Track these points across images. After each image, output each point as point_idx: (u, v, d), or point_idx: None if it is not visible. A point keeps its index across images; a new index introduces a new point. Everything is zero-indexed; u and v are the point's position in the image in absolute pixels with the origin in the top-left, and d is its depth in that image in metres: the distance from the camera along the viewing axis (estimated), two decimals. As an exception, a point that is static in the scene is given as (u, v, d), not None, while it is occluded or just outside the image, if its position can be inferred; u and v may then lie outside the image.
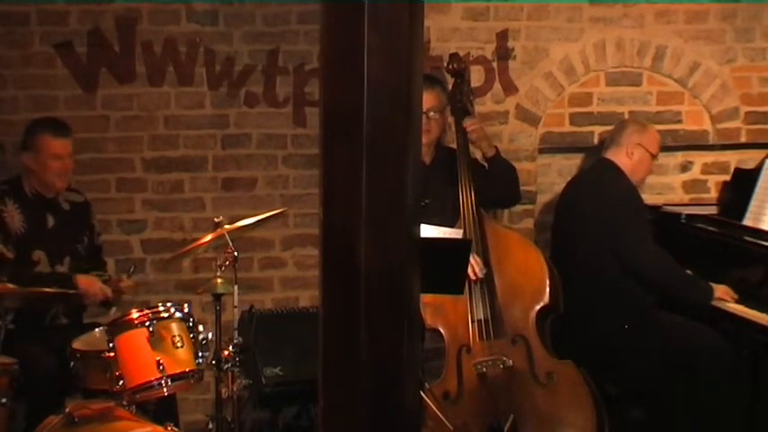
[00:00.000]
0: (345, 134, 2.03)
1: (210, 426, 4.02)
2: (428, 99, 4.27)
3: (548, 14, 5.01)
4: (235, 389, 3.95)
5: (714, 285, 4.31)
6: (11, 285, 3.83)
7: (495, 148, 4.50)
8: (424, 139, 4.28)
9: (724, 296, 4.28)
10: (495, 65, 5.01)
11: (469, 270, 4.01)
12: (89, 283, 4.24)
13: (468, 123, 4.37)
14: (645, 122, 4.74)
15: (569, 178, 4.85)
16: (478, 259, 4.15)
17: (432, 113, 4.36)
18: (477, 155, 4.54)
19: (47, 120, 4.40)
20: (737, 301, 4.27)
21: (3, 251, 4.19)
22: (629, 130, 4.56)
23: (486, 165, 4.51)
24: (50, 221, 4.35)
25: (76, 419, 3.46)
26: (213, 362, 3.91)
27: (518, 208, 4.99)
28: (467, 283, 4.03)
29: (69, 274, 4.27)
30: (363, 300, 2.02)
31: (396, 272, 2.06)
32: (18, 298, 3.97)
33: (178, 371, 3.70)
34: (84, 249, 4.43)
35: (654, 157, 4.60)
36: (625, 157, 4.51)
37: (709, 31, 5.11)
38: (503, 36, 5.00)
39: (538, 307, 4.20)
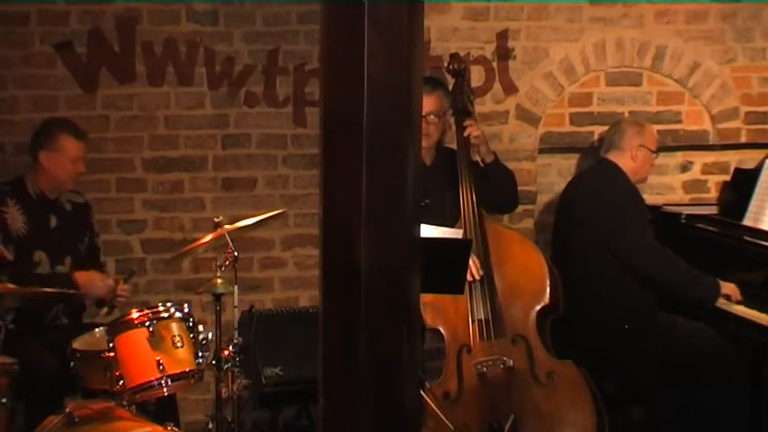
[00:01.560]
0: (345, 134, 2.03)
1: (210, 426, 4.02)
2: (428, 103, 4.24)
3: (548, 14, 5.01)
4: (235, 389, 3.96)
5: (723, 283, 4.30)
6: (11, 285, 3.84)
7: (494, 154, 4.48)
8: (424, 143, 4.25)
9: (731, 293, 4.27)
10: (495, 65, 5.01)
11: (468, 271, 4.01)
12: (89, 280, 4.24)
13: (469, 130, 4.35)
14: (640, 121, 4.73)
15: (569, 178, 4.85)
16: (477, 261, 4.14)
17: (431, 117, 4.33)
18: (476, 158, 4.53)
19: (66, 121, 4.42)
20: (738, 302, 4.27)
21: (3, 252, 4.19)
22: (628, 133, 4.55)
23: (484, 168, 4.48)
24: (53, 222, 4.36)
25: (76, 419, 3.46)
26: (213, 362, 3.92)
27: (518, 208, 4.99)
28: (467, 284, 4.03)
29: (68, 272, 4.27)
30: (363, 300, 2.02)
31: (396, 272, 2.06)
32: (18, 298, 3.98)
33: (178, 371, 3.70)
34: (84, 250, 4.44)
35: (654, 153, 4.61)
36: (629, 161, 4.51)
37: (710, 31, 5.11)
38: (503, 36, 5.00)
39: (538, 307, 4.20)
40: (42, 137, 4.33)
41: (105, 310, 4.29)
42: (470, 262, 3.99)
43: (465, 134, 4.33)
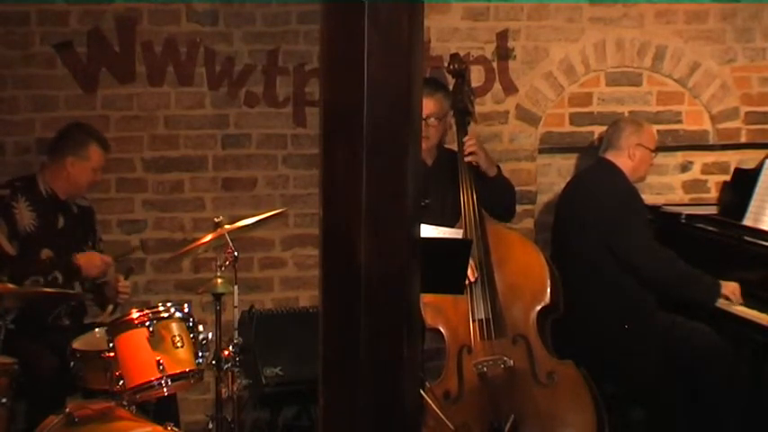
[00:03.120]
0: (345, 134, 2.03)
1: (210, 426, 4.02)
2: (428, 105, 4.22)
3: (548, 14, 5.01)
4: (235, 389, 3.96)
5: (724, 282, 4.30)
6: (11, 285, 3.84)
7: (498, 168, 4.46)
8: (424, 145, 4.24)
9: (731, 294, 4.27)
10: (495, 65, 5.01)
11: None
12: (89, 259, 4.29)
13: (466, 146, 4.32)
14: (639, 120, 4.73)
15: (569, 178, 4.85)
16: (473, 262, 4.13)
17: (431, 120, 4.31)
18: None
19: (94, 130, 4.44)
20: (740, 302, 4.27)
21: (6, 246, 4.20)
22: (626, 132, 4.56)
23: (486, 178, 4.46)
24: (60, 222, 4.38)
25: (77, 419, 3.46)
26: (213, 362, 3.92)
27: (518, 208, 4.98)
28: (467, 283, 4.03)
29: (69, 255, 4.28)
30: (363, 300, 2.02)
31: (396, 272, 2.06)
32: (18, 298, 3.98)
33: (178, 371, 3.70)
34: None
35: (653, 152, 4.60)
36: (627, 159, 4.51)
37: (710, 31, 5.11)
38: (503, 36, 5.00)
39: (538, 307, 4.20)
40: (72, 143, 4.36)
41: (110, 308, 4.29)
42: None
43: (462, 147, 4.31)
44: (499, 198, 4.45)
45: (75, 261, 4.25)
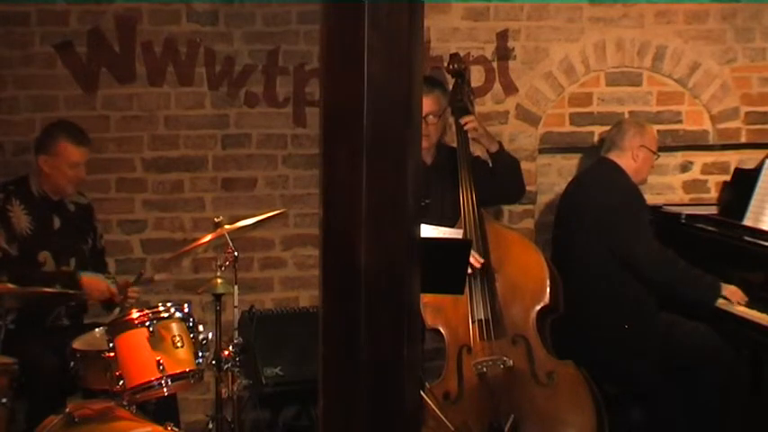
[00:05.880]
0: (345, 134, 2.03)
1: (210, 426, 4.02)
2: (426, 104, 4.21)
3: (548, 14, 5.01)
4: (235, 389, 3.96)
5: (724, 285, 4.29)
6: (11, 285, 3.84)
7: (499, 143, 4.47)
8: (425, 144, 4.27)
9: (732, 297, 4.27)
10: (495, 65, 5.01)
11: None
12: (94, 282, 4.22)
13: (465, 120, 4.33)
14: (642, 122, 4.74)
15: (569, 178, 4.85)
16: (476, 254, 4.13)
17: (430, 118, 4.31)
18: (481, 151, 4.52)
19: (68, 125, 4.36)
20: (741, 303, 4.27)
21: (6, 249, 4.19)
22: (630, 133, 4.55)
23: (489, 161, 4.48)
24: (57, 222, 4.35)
25: (77, 419, 3.46)
26: (213, 362, 3.92)
27: (518, 208, 4.99)
28: (467, 283, 4.03)
29: (74, 272, 4.25)
30: (363, 300, 2.02)
31: (396, 272, 2.06)
32: (19, 298, 3.98)
33: (178, 371, 3.71)
34: (88, 251, 4.44)
35: (655, 153, 4.61)
36: (630, 160, 4.51)
37: (710, 31, 5.11)
38: (503, 36, 5.00)
39: (538, 307, 4.20)
40: (42, 141, 4.30)
41: (117, 311, 4.27)
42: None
43: (464, 127, 4.32)
44: (505, 175, 4.44)
45: (79, 280, 4.17)
